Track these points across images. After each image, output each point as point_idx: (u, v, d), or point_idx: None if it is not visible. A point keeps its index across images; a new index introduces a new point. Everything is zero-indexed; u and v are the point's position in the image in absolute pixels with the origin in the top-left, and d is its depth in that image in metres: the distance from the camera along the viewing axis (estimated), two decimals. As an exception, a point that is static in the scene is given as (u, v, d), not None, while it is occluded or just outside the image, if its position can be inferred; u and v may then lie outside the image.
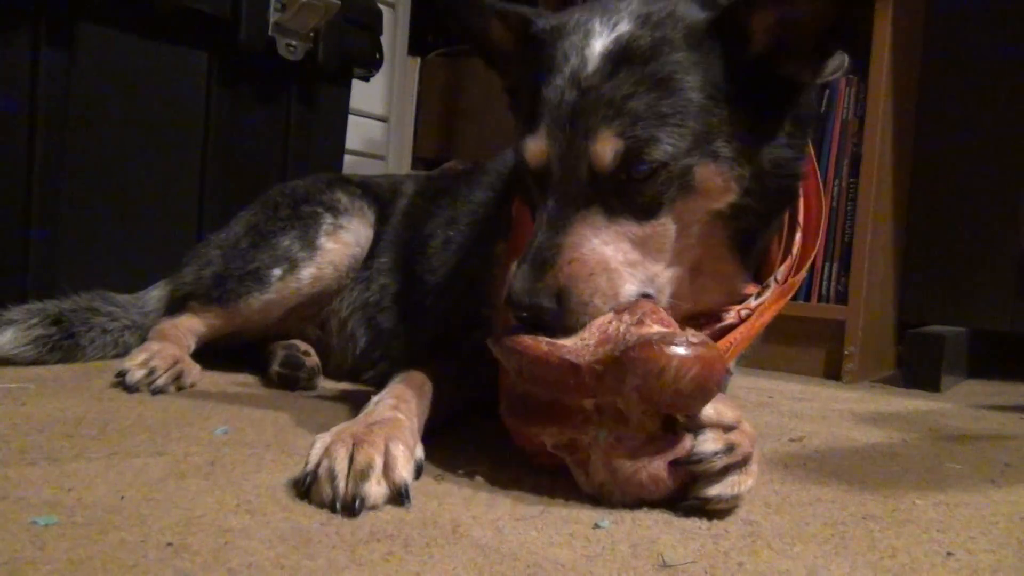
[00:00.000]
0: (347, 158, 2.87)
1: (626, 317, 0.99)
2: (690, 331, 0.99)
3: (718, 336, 1.18)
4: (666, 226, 1.07)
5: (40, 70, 1.86)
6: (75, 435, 1.17)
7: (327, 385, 1.77)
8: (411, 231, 1.83)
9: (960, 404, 2.08)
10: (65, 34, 1.89)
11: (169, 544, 0.79)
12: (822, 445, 1.46)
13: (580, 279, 1.02)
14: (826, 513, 1.04)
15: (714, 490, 0.97)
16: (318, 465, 0.96)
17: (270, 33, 2.22)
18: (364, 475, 0.94)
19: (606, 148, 1.03)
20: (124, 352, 1.74)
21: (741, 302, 1.23)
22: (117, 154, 2.03)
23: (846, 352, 2.36)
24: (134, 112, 2.05)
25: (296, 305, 1.79)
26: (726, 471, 0.98)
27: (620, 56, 1.05)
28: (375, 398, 1.15)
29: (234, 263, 1.78)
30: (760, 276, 1.27)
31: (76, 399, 1.40)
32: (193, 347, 1.74)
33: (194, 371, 1.62)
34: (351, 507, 0.91)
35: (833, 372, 2.40)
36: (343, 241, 1.81)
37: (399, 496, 0.95)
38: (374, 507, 0.93)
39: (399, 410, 1.10)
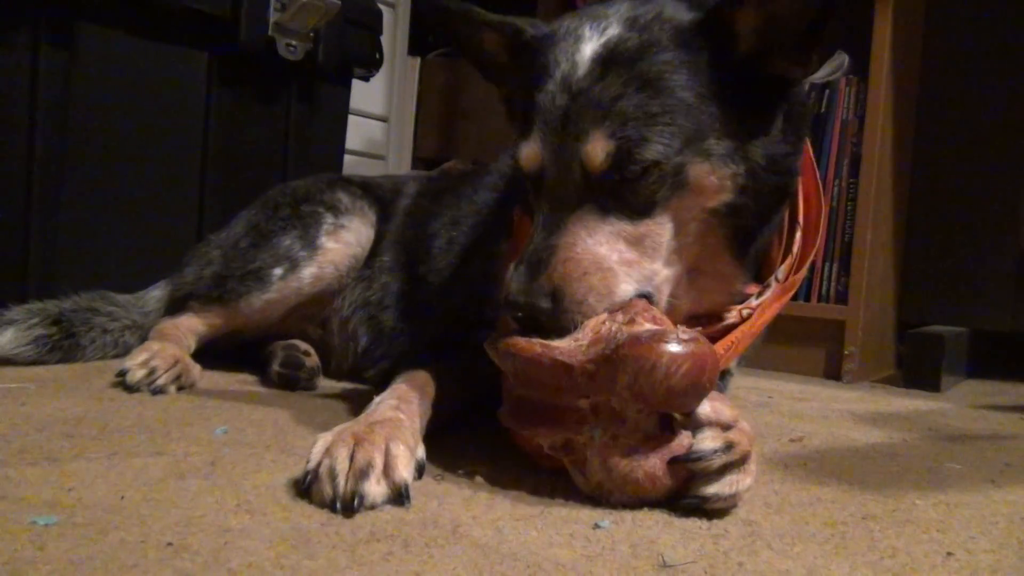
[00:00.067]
0: (347, 158, 2.87)
1: (619, 317, 1.00)
2: (681, 328, 0.99)
3: (720, 335, 1.18)
4: (661, 225, 1.08)
5: (40, 70, 1.86)
6: (75, 435, 1.17)
7: (327, 385, 1.77)
8: (414, 231, 1.84)
9: (960, 404, 2.08)
10: (65, 34, 1.89)
11: (169, 544, 0.79)
12: (822, 445, 1.46)
13: (574, 278, 1.02)
14: (826, 513, 1.04)
15: (712, 488, 0.97)
16: (319, 464, 0.96)
17: (270, 33, 2.22)
18: (364, 474, 0.94)
19: (597, 149, 1.04)
20: (124, 352, 1.74)
21: (742, 302, 1.23)
22: (117, 154, 2.03)
23: (846, 352, 2.36)
24: (134, 112, 2.05)
25: (297, 304, 1.79)
26: (725, 469, 0.98)
27: (609, 59, 1.07)
28: (377, 398, 1.16)
29: (235, 263, 1.78)
30: (761, 276, 1.28)
31: (76, 399, 1.40)
32: (194, 347, 1.74)
33: (194, 371, 1.62)
34: (350, 505, 0.91)
35: (833, 372, 2.40)
36: (344, 241, 1.82)
37: (399, 496, 0.95)
38: (373, 506, 0.93)
39: (401, 410, 1.10)
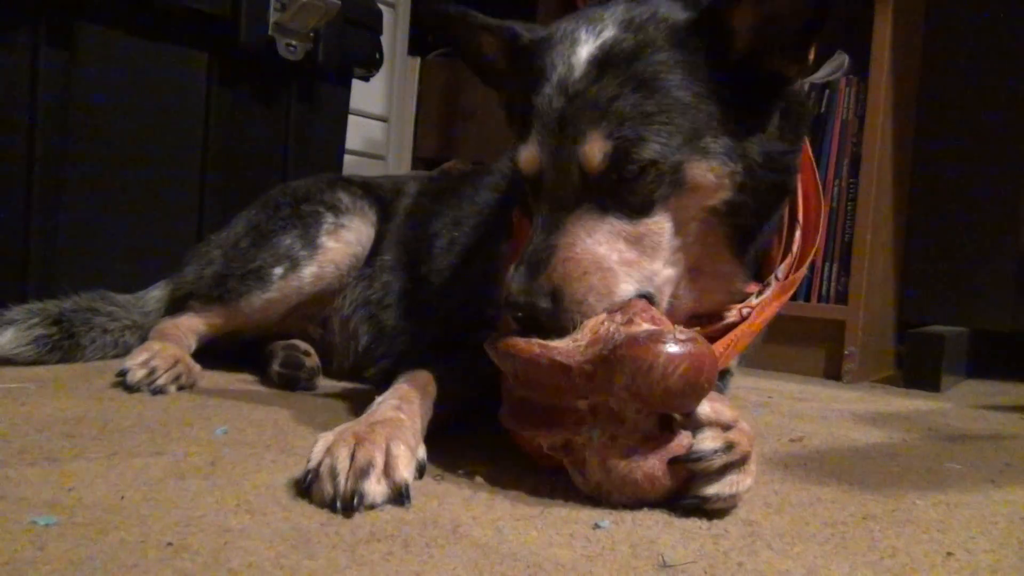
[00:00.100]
0: (347, 158, 2.87)
1: (617, 317, 1.00)
2: (679, 328, 0.99)
3: (720, 334, 1.18)
4: (660, 224, 1.08)
5: (40, 70, 1.86)
6: (75, 435, 1.17)
7: (328, 385, 1.77)
8: (415, 230, 1.84)
9: (960, 404, 2.08)
10: (65, 34, 1.89)
11: (169, 544, 0.80)
12: (822, 445, 1.46)
13: (574, 278, 1.02)
14: (826, 513, 1.04)
15: (713, 489, 0.97)
16: (320, 463, 0.96)
17: (270, 33, 2.22)
18: (364, 473, 0.94)
19: (595, 149, 1.04)
20: (124, 352, 1.74)
21: (742, 301, 1.23)
22: (117, 154, 2.03)
23: (846, 352, 2.36)
24: (134, 112, 2.05)
25: (297, 304, 1.79)
26: (725, 470, 0.98)
27: (605, 60, 1.07)
28: (379, 398, 1.16)
29: (235, 262, 1.78)
30: (761, 274, 1.28)
31: (76, 399, 1.40)
32: (194, 347, 1.74)
33: (195, 371, 1.62)
34: (351, 504, 0.91)
35: (833, 372, 2.40)
36: (344, 240, 1.82)
37: (399, 496, 0.95)
38: (373, 505, 0.93)
39: (402, 410, 1.10)
